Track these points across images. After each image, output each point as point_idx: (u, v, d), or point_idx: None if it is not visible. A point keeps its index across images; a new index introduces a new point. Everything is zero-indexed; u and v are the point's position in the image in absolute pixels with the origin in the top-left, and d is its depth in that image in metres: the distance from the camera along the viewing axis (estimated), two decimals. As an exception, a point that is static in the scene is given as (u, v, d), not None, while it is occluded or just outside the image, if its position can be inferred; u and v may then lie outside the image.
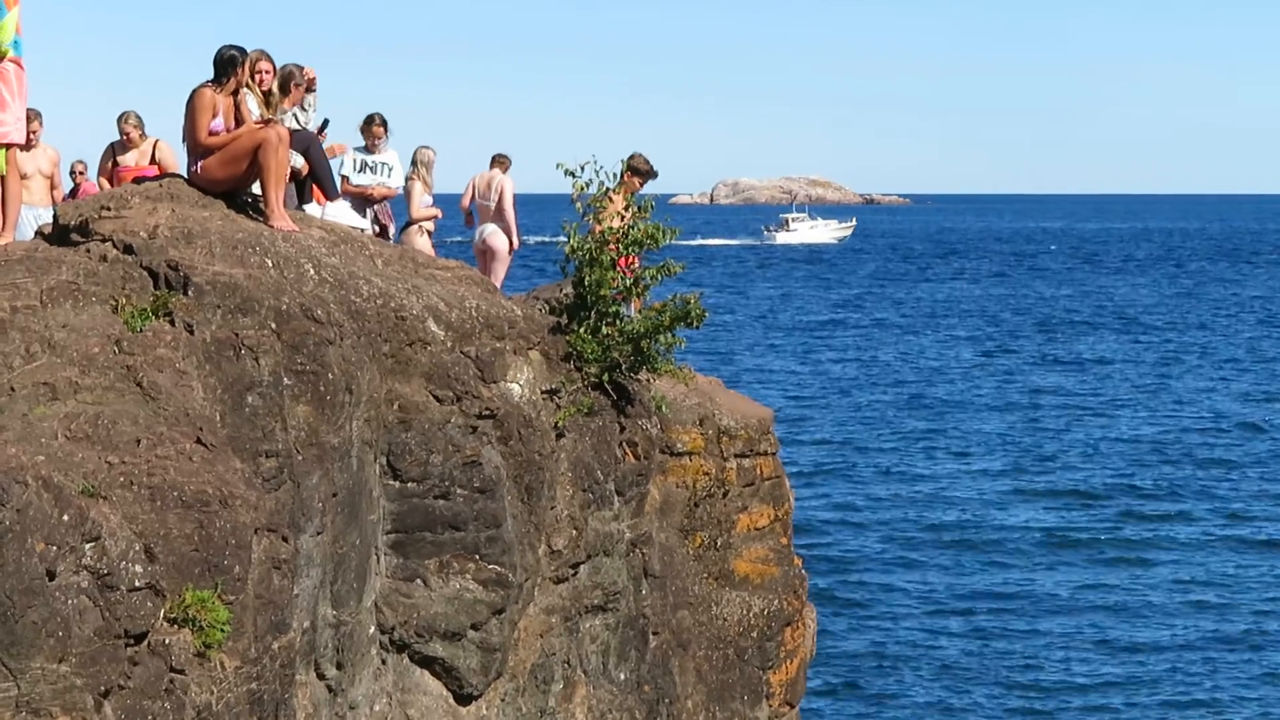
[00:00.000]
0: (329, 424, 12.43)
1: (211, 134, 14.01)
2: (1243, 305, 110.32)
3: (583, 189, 16.02)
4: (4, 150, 14.16)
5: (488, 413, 13.93)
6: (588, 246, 15.68)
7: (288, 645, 11.38)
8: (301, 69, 17.40)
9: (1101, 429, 58.66)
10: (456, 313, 14.24)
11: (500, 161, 21.25)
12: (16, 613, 9.61)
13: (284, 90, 16.90)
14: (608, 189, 16.13)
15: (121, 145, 18.57)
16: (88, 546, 10.02)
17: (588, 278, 15.54)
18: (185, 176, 14.41)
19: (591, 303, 15.49)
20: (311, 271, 13.28)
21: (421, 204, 20.29)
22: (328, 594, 12.61)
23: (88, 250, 12.80)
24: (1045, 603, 37.55)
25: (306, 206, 16.77)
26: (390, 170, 19.36)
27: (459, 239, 61.73)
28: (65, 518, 9.94)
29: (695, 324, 15.78)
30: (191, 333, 12.04)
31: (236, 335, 12.09)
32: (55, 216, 13.88)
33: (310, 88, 17.44)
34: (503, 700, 14.35)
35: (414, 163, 20.29)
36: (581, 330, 15.29)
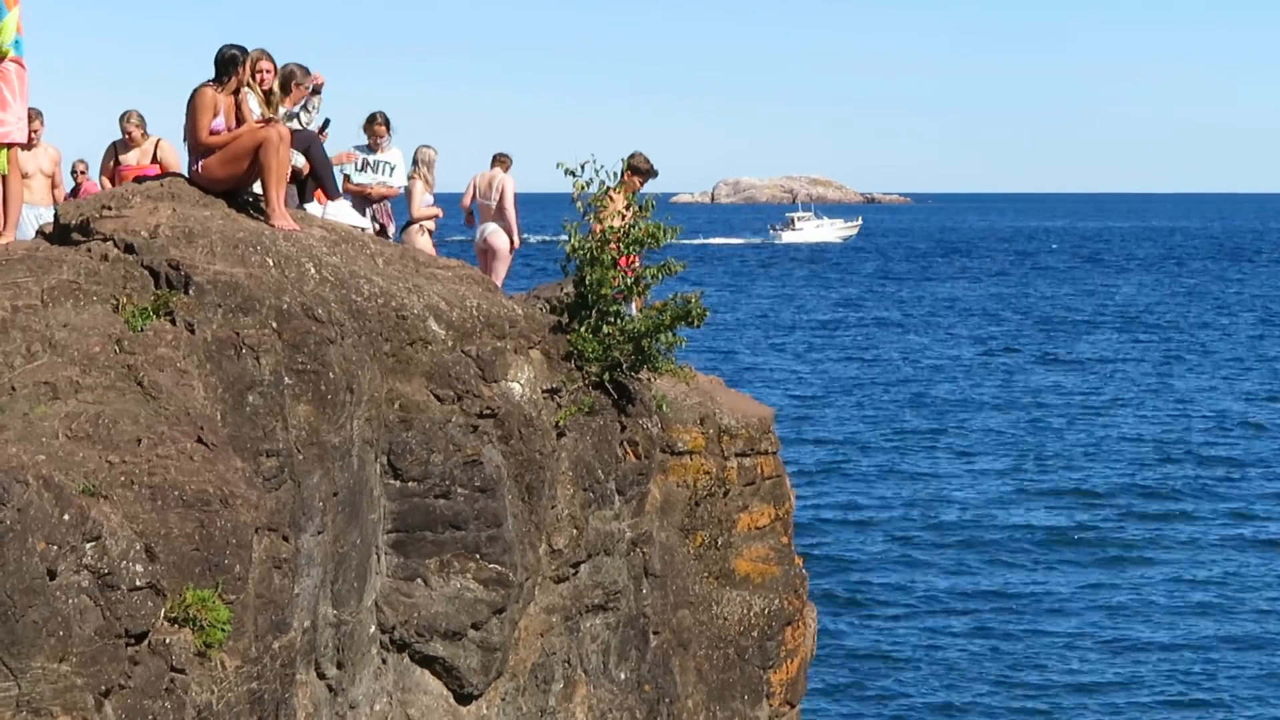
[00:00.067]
0: (330, 423, 12.43)
1: (212, 133, 14.02)
2: (1244, 304, 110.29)
3: (583, 188, 16.03)
4: (5, 149, 14.17)
5: (488, 412, 13.93)
6: (589, 245, 15.68)
7: (288, 645, 11.38)
8: (308, 71, 17.40)
9: (1103, 428, 58.66)
10: (457, 312, 14.24)
11: (501, 161, 21.26)
12: (17, 612, 9.61)
13: (285, 89, 16.91)
14: (608, 188, 16.13)
15: (123, 144, 18.58)
16: (88, 546, 10.03)
17: (589, 277, 15.54)
18: (186, 176, 14.42)
19: (592, 302, 15.50)
20: (312, 271, 13.28)
21: (422, 203, 20.31)
22: (328, 593, 12.61)
23: (89, 249, 12.81)
24: (1047, 602, 37.54)
25: (307, 206, 16.78)
26: (392, 169, 19.38)
27: (460, 238, 61.75)
28: (66, 517, 9.94)
29: (696, 323, 15.79)
30: (192, 332, 12.05)
31: (237, 334, 12.09)
32: (56, 216, 13.89)
33: (316, 90, 17.45)
34: (503, 700, 14.36)
35: (415, 162, 20.31)
36: (582, 329, 15.29)
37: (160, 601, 10.34)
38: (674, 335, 15.79)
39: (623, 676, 15.44)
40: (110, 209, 13.43)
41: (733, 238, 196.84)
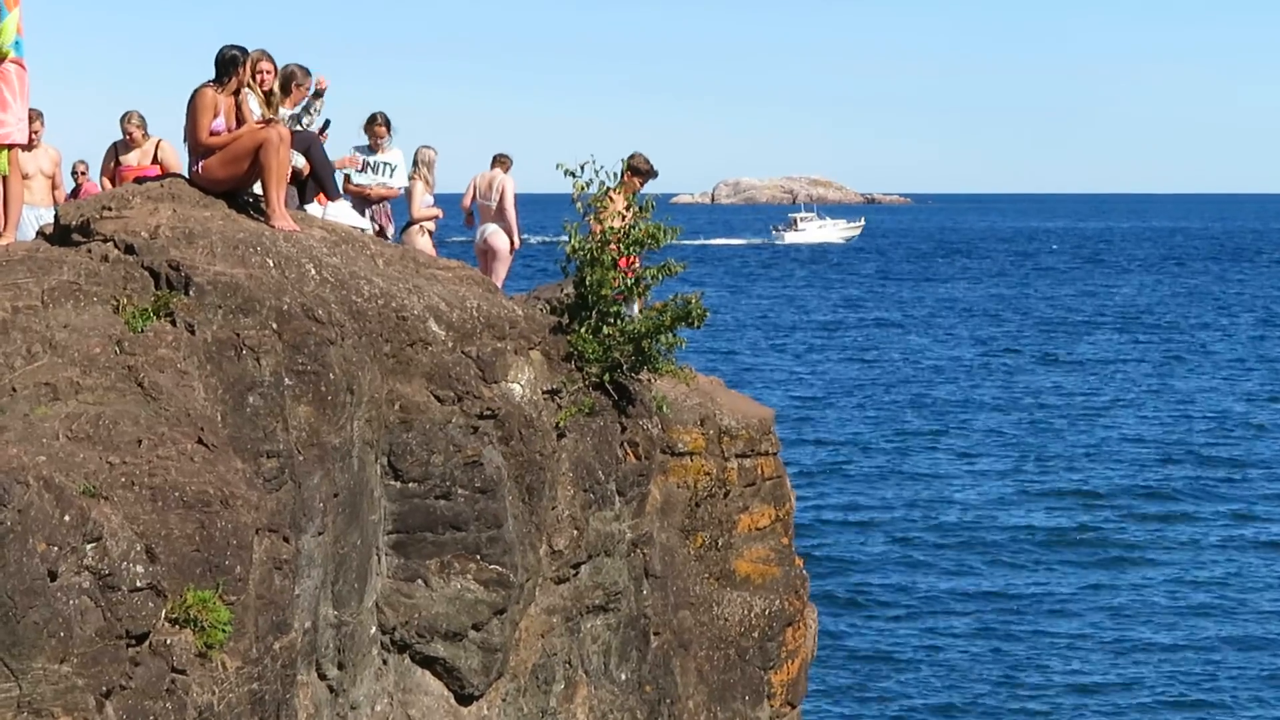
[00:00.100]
0: (330, 424, 12.43)
1: (213, 134, 14.02)
2: (1245, 305, 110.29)
3: (583, 189, 16.02)
4: (6, 150, 14.17)
5: (489, 413, 13.93)
6: (589, 246, 15.68)
7: (289, 645, 11.38)
8: (309, 72, 17.39)
9: (1104, 429, 58.66)
10: (457, 313, 14.24)
11: (501, 161, 21.26)
12: (18, 613, 9.61)
13: (285, 90, 16.91)
14: (608, 189, 16.12)
15: (124, 145, 18.58)
16: (89, 547, 10.02)
17: (589, 277, 15.54)
18: (186, 176, 14.42)
19: (593, 303, 15.49)
20: (313, 271, 13.28)
21: (423, 204, 20.30)
22: (329, 594, 12.61)
23: (89, 250, 12.81)
24: (1048, 603, 37.54)
25: (308, 206, 16.78)
26: (393, 170, 19.37)
27: (460, 239, 61.76)
28: (66, 518, 9.94)
29: (696, 324, 15.78)
30: (193, 333, 12.05)
31: (238, 335, 12.09)
32: (57, 216, 13.89)
33: (319, 94, 17.44)
34: (504, 700, 14.36)
35: (415, 162, 20.30)
36: (583, 330, 15.29)
37: (161, 602, 10.34)
38: (674, 336, 15.79)
39: (623, 677, 15.43)
40: (110, 210, 13.43)
41: (735, 238, 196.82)
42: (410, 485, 13.47)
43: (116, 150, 18.63)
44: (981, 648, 34.26)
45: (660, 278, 16.05)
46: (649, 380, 16.21)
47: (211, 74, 14.11)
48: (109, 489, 10.43)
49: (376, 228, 19.04)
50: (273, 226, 13.84)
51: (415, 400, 13.60)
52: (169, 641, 10.35)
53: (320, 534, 12.30)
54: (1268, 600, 37.73)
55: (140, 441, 10.88)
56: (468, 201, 21.36)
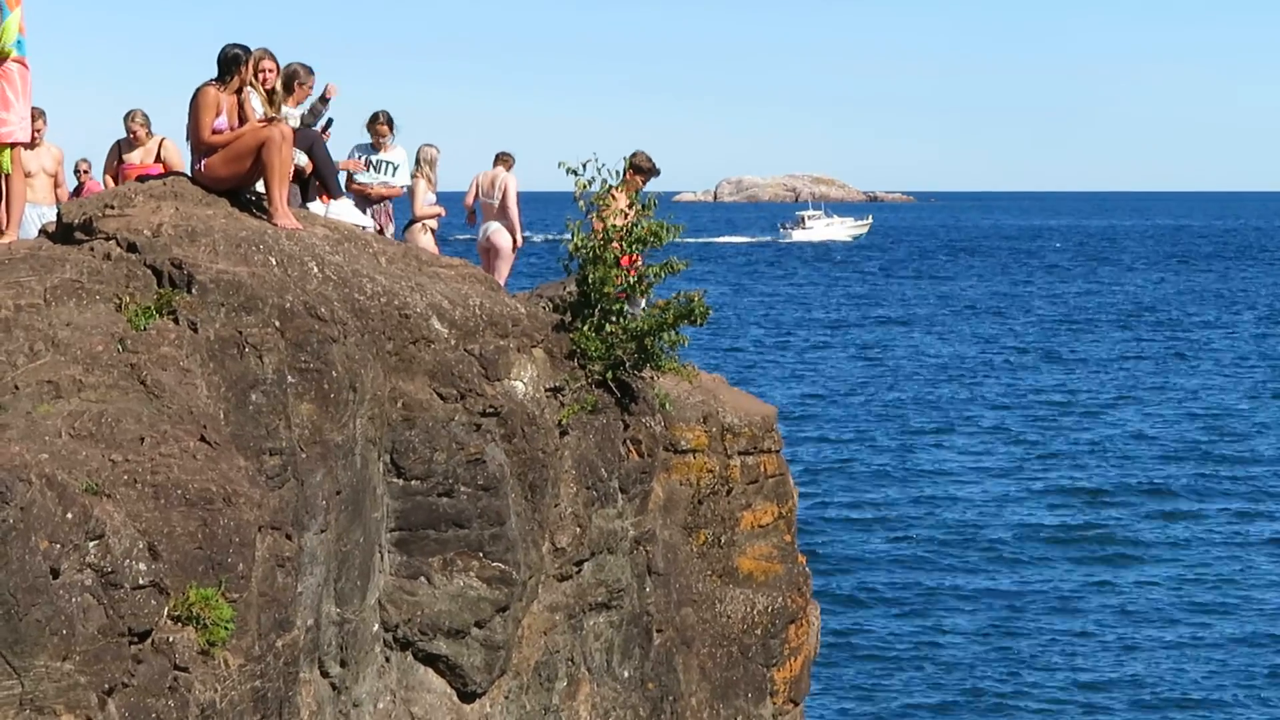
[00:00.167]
0: (333, 422, 12.44)
1: (215, 132, 14.03)
2: (1249, 302, 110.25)
3: (585, 187, 16.02)
4: (8, 149, 14.18)
5: (491, 410, 13.93)
6: (591, 244, 15.68)
7: (291, 643, 11.39)
8: (311, 71, 17.39)
9: (1107, 427, 58.65)
10: (460, 310, 14.25)
11: (504, 159, 21.26)
12: (20, 611, 9.62)
13: (288, 89, 16.91)
14: (610, 187, 16.12)
15: (128, 143, 18.59)
16: (91, 544, 10.03)
17: (591, 275, 15.54)
18: (189, 175, 14.42)
19: (595, 300, 15.50)
20: (315, 269, 13.29)
21: (425, 202, 20.30)
22: (331, 592, 12.62)
23: (91, 248, 12.81)
24: (1051, 600, 37.54)
25: (310, 205, 16.78)
26: (395, 169, 19.36)
27: (463, 237, 61.75)
28: (69, 516, 9.95)
29: (699, 321, 15.78)
30: (195, 331, 12.05)
31: (240, 333, 12.10)
32: (59, 215, 13.90)
33: (324, 99, 17.42)
34: (506, 698, 14.36)
35: (417, 161, 20.30)
36: (585, 328, 15.29)
37: (163, 600, 10.35)
38: (677, 334, 15.80)
39: (626, 674, 15.44)
40: (113, 208, 13.43)
41: (743, 236, 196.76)
42: (413, 483, 13.48)
43: (120, 148, 18.63)
44: (984, 645, 34.27)
45: (663, 275, 16.06)
46: (652, 378, 16.21)
47: (214, 72, 14.12)
48: (111, 487, 10.44)
49: (376, 228, 19.03)
50: (275, 225, 13.85)
51: (418, 398, 13.61)
52: (171, 639, 10.36)
53: (323, 531, 12.31)
54: (1271, 597, 37.72)
55: (143, 439, 10.89)
56: (470, 200, 21.36)
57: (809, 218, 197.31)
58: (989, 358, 78.21)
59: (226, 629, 10.58)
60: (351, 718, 12.98)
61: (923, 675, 32.51)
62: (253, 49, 14.67)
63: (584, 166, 16.03)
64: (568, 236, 15.98)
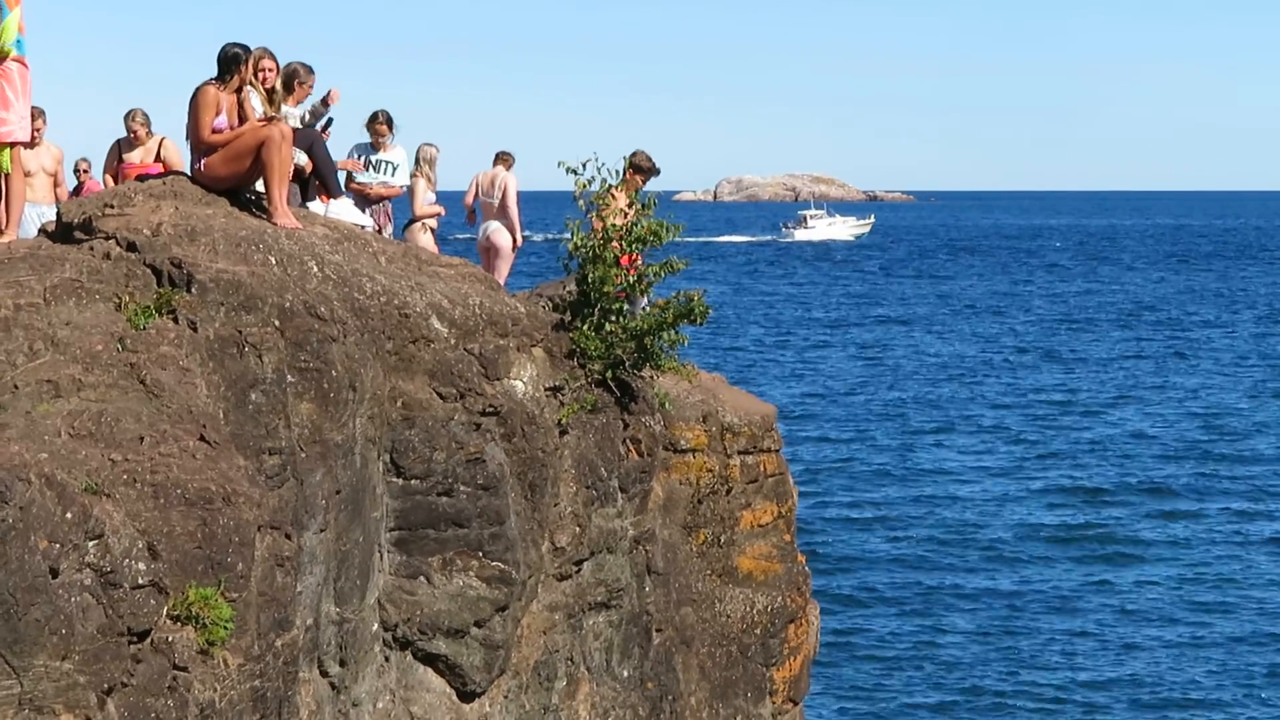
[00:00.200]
0: (332, 421, 12.44)
1: (215, 131, 14.02)
2: (1249, 301, 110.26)
3: (585, 186, 16.02)
4: (8, 148, 14.18)
5: (491, 410, 13.93)
6: (591, 244, 15.68)
7: (291, 643, 11.39)
8: (311, 70, 17.38)
9: (1107, 426, 58.65)
10: (460, 310, 14.25)
11: (504, 159, 21.26)
12: (20, 610, 9.62)
13: (288, 88, 16.90)
14: (610, 186, 16.12)
15: (128, 142, 18.58)
16: (91, 544, 10.03)
17: (591, 275, 15.54)
18: (189, 174, 14.42)
19: (595, 300, 15.50)
20: (315, 269, 13.28)
21: (425, 201, 20.30)
22: (331, 591, 12.62)
23: (91, 248, 12.81)
24: (1050, 600, 37.54)
25: (310, 204, 16.78)
26: (394, 169, 19.34)
27: (463, 236, 61.75)
28: (68, 515, 9.95)
29: (699, 321, 15.78)
30: (195, 330, 12.05)
31: (240, 332, 12.10)
32: (59, 214, 13.90)
33: (326, 103, 17.40)
34: (506, 697, 14.36)
35: (417, 160, 20.29)
36: (585, 327, 15.29)
37: (163, 599, 10.35)
38: (676, 333, 15.80)
39: (625, 674, 15.44)
40: (113, 207, 13.43)
41: (745, 235, 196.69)
42: (412, 482, 13.48)
43: (120, 148, 18.63)
44: (984, 644, 34.27)
45: (662, 275, 16.06)
46: (651, 377, 16.21)
47: (214, 72, 14.11)
48: (111, 486, 10.44)
49: (375, 227, 19.02)
50: (275, 224, 13.85)
51: (418, 397, 13.61)
52: (171, 639, 10.36)
53: (322, 531, 12.31)
54: (1271, 596, 37.72)
55: (142, 439, 10.89)
56: (470, 199, 21.36)
57: (811, 217, 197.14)
58: (989, 357, 78.22)
59: (226, 628, 10.58)
60: (351, 717, 12.98)
61: (922, 674, 32.51)
62: (252, 48, 14.67)
63: (584, 166, 16.04)
64: (567, 236, 15.98)
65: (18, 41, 13.88)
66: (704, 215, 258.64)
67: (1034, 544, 42.21)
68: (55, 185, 18.56)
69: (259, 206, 14.25)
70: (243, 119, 14.17)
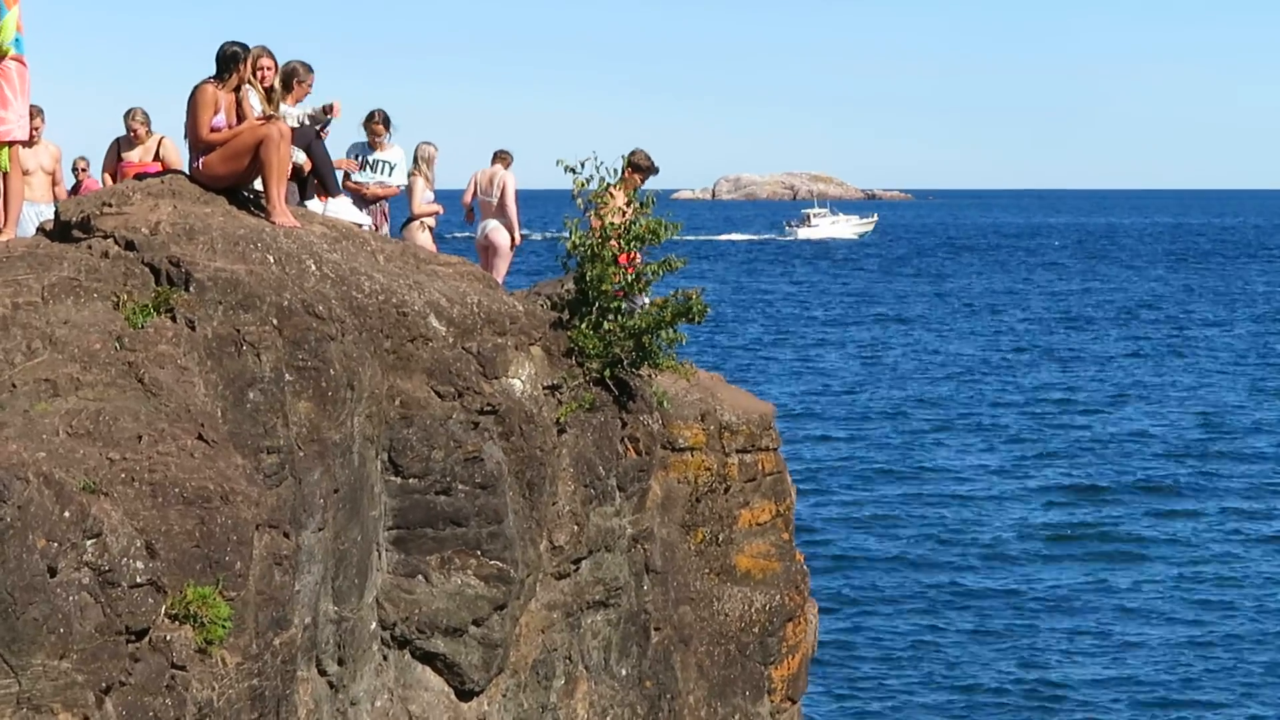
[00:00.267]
0: (330, 420, 12.44)
1: (213, 130, 14.02)
2: (1248, 300, 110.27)
3: (583, 185, 16.02)
4: (6, 147, 14.17)
5: (489, 408, 13.93)
6: (589, 242, 15.69)
7: (289, 641, 11.39)
8: (310, 69, 17.37)
9: (1106, 424, 58.64)
10: (458, 308, 14.25)
11: (502, 157, 21.26)
12: (18, 609, 9.62)
13: (286, 87, 16.90)
14: (609, 185, 16.13)
15: (128, 141, 18.58)
16: (89, 543, 10.03)
17: (589, 273, 15.55)
18: (187, 173, 14.42)
19: (593, 298, 15.50)
20: (313, 267, 13.28)
21: (423, 200, 20.30)
22: (329, 590, 12.62)
23: (89, 246, 12.81)
24: (1049, 599, 37.52)
25: (308, 203, 16.77)
26: (392, 168, 19.31)
27: (461, 235, 61.74)
28: (66, 514, 9.95)
29: (697, 319, 15.78)
30: (193, 329, 12.05)
31: (238, 331, 12.10)
32: (57, 213, 13.90)
33: (327, 110, 17.38)
34: (504, 696, 14.36)
35: (415, 159, 20.29)
36: (583, 326, 15.29)
37: (161, 598, 10.35)
38: (675, 332, 15.80)
39: (624, 673, 15.44)
40: (111, 206, 13.43)
41: (747, 234, 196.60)
42: (411, 481, 13.48)
43: (119, 146, 18.63)
44: (982, 643, 34.26)
45: (661, 273, 16.06)
46: (649, 376, 16.21)
47: (212, 70, 14.11)
48: (109, 485, 10.44)
49: (372, 227, 19.01)
50: (273, 223, 13.85)
51: (416, 396, 13.61)
52: (169, 638, 10.36)
53: (320, 530, 12.31)
54: (1270, 595, 37.71)
55: (140, 437, 10.89)
56: (468, 198, 21.36)
57: (815, 215, 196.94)
58: (988, 356, 78.21)
59: (224, 627, 10.59)
60: (349, 716, 12.99)
61: (921, 673, 32.50)
62: (251, 47, 14.67)
63: (582, 165, 16.04)
64: (566, 235, 15.99)
65: (16, 40, 13.88)
66: (702, 214, 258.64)
67: (1033, 542, 42.21)
68: (53, 184, 18.56)
69: (257, 205, 14.25)
70: (241, 118, 14.17)
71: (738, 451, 17.20)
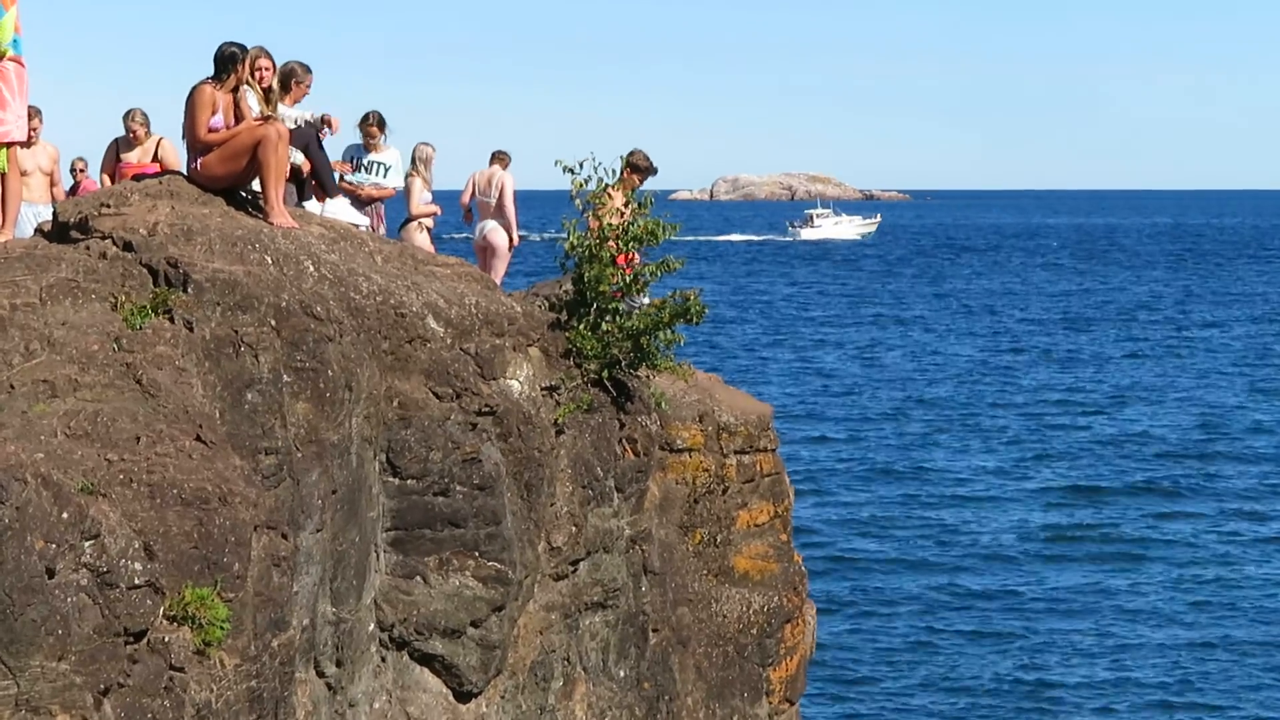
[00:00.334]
0: (328, 421, 12.43)
1: (211, 130, 14.02)
2: (1247, 300, 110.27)
3: (581, 186, 16.02)
4: (5, 148, 14.17)
5: (487, 409, 13.93)
6: (587, 243, 15.68)
7: (287, 643, 11.38)
8: (308, 69, 17.36)
9: (1105, 425, 58.64)
10: (456, 309, 14.24)
11: (500, 158, 21.24)
12: (16, 611, 9.61)
13: (284, 87, 16.89)
14: (607, 185, 16.12)
15: (126, 142, 18.56)
16: (87, 544, 10.03)
17: (587, 274, 15.54)
18: (185, 174, 14.41)
19: (591, 299, 15.49)
20: (311, 268, 13.28)
21: (421, 201, 20.27)
22: (327, 591, 12.61)
23: (87, 247, 12.81)
24: (1047, 602, 37.53)
25: (306, 204, 16.76)
26: (387, 170, 19.20)
27: (459, 236, 61.74)
28: (65, 515, 9.94)
29: (695, 320, 15.78)
30: (191, 330, 12.05)
31: (236, 332, 12.09)
32: (55, 214, 13.89)
33: (325, 123, 17.36)
34: (502, 698, 14.36)
35: (413, 160, 20.25)
36: (581, 327, 15.29)
37: (159, 600, 10.34)
38: (673, 333, 15.79)
39: (622, 674, 15.44)
40: (109, 207, 13.42)
41: (749, 234, 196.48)
42: (409, 482, 13.47)
43: (118, 147, 18.61)
44: (982, 645, 34.26)
45: (659, 274, 16.06)
46: (647, 377, 16.21)
47: (210, 71, 14.11)
48: (107, 486, 10.44)
49: (369, 229, 18.97)
50: (271, 223, 13.84)
51: (414, 397, 13.60)
52: (167, 639, 10.36)
53: (319, 531, 12.31)
54: (1270, 596, 37.72)
55: (138, 439, 10.88)
56: (466, 198, 21.34)
57: (818, 216, 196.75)
58: (987, 357, 78.22)
59: (222, 629, 10.58)
60: (347, 718, 12.98)
61: (919, 675, 32.50)
62: (249, 47, 14.66)
63: (580, 165, 16.04)
64: (564, 235, 15.98)
65: (14, 41, 13.87)
66: (701, 214, 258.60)
67: (1032, 543, 42.22)
68: (51, 185, 18.54)
69: (255, 206, 14.24)
70: (239, 118, 14.17)
71: (736, 453, 17.19)
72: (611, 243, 15.70)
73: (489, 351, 14.20)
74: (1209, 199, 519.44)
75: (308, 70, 17.43)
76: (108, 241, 12.83)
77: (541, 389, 14.66)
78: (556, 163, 16.03)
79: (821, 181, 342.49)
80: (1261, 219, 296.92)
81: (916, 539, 42.27)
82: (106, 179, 18.33)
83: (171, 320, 12.09)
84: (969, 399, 64.42)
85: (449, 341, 13.97)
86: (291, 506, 11.92)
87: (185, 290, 12.26)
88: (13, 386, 11.13)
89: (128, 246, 12.71)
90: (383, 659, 13.51)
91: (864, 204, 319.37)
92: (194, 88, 14.09)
